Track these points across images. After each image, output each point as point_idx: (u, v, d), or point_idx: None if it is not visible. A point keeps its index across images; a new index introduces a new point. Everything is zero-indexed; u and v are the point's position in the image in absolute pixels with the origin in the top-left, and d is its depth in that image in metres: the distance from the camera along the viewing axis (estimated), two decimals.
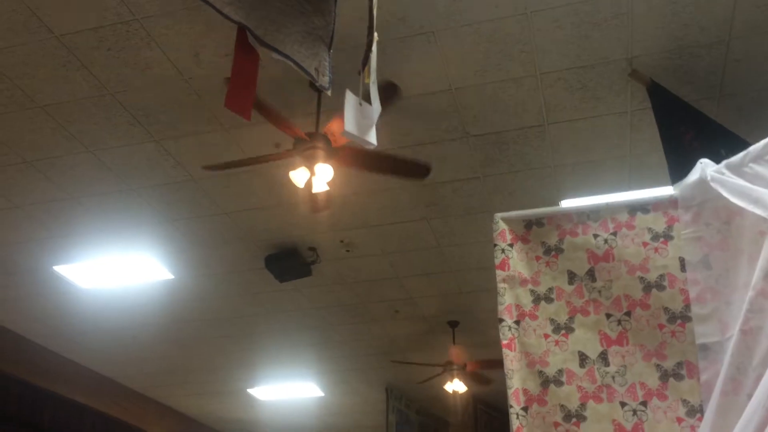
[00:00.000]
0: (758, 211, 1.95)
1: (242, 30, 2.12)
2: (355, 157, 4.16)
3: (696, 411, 2.14)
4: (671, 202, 2.37)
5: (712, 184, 2.15)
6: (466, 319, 6.93)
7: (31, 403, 7.56)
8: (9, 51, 3.85)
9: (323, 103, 4.07)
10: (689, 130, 3.66)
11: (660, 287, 2.30)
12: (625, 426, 2.19)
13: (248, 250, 5.80)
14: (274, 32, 2.10)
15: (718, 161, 2.21)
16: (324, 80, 2.21)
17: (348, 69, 2.77)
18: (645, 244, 2.36)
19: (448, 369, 7.25)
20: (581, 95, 4.13)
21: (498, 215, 2.53)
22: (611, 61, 3.89)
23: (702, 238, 2.23)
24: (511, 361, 2.33)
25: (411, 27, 3.68)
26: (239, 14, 2.11)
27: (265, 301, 6.66)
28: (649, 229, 2.38)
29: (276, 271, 5.83)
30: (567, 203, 4.99)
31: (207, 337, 7.45)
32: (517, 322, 2.38)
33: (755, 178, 2.05)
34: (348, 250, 5.80)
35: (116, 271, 6.07)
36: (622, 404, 2.21)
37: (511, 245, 2.47)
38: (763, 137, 2.11)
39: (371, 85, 2.21)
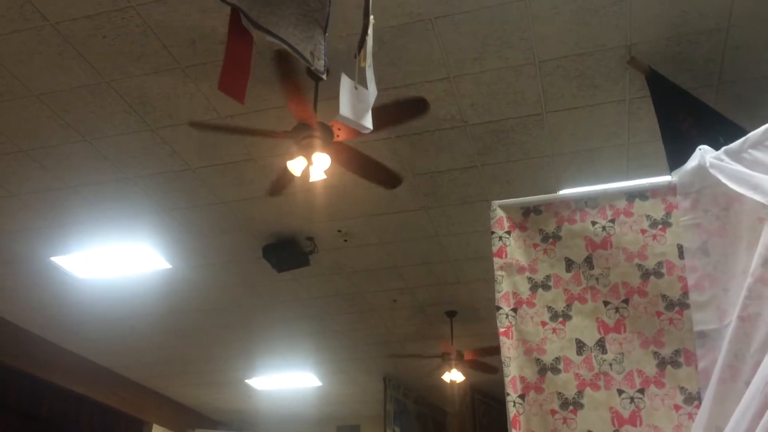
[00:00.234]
0: (757, 197, 1.93)
1: (236, 12, 2.10)
2: (349, 155, 4.14)
3: (693, 398, 2.13)
4: (670, 189, 2.36)
5: (711, 171, 2.13)
6: (464, 309, 6.94)
7: (29, 394, 7.57)
8: (3, 39, 3.82)
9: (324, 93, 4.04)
10: (688, 118, 3.64)
11: (658, 274, 2.29)
12: (623, 413, 2.18)
13: (246, 240, 5.79)
14: (268, 14, 2.08)
15: (717, 149, 2.20)
16: (319, 64, 2.19)
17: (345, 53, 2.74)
18: (643, 231, 2.35)
19: (445, 359, 7.25)
20: (579, 83, 4.11)
21: (495, 203, 2.51)
22: (610, 49, 3.87)
23: (700, 225, 2.22)
24: (508, 348, 2.31)
25: (409, 14, 3.66)
26: None
27: (263, 291, 6.66)
28: (648, 216, 2.37)
29: (274, 261, 5.83)
30: (565, 192, 4.98)
31: (205, 327, 7.45)
32: (515, 310, 2.37)
33: (754, 164, 2.03)
34: (346, 240, 5.79)
35: (113, 261, 6.06)
36: (620, 392, 2.21)
37: (508, 233, 2.46)
38: (762, 125, 2.09)
39: (367, 68, 2.19)
